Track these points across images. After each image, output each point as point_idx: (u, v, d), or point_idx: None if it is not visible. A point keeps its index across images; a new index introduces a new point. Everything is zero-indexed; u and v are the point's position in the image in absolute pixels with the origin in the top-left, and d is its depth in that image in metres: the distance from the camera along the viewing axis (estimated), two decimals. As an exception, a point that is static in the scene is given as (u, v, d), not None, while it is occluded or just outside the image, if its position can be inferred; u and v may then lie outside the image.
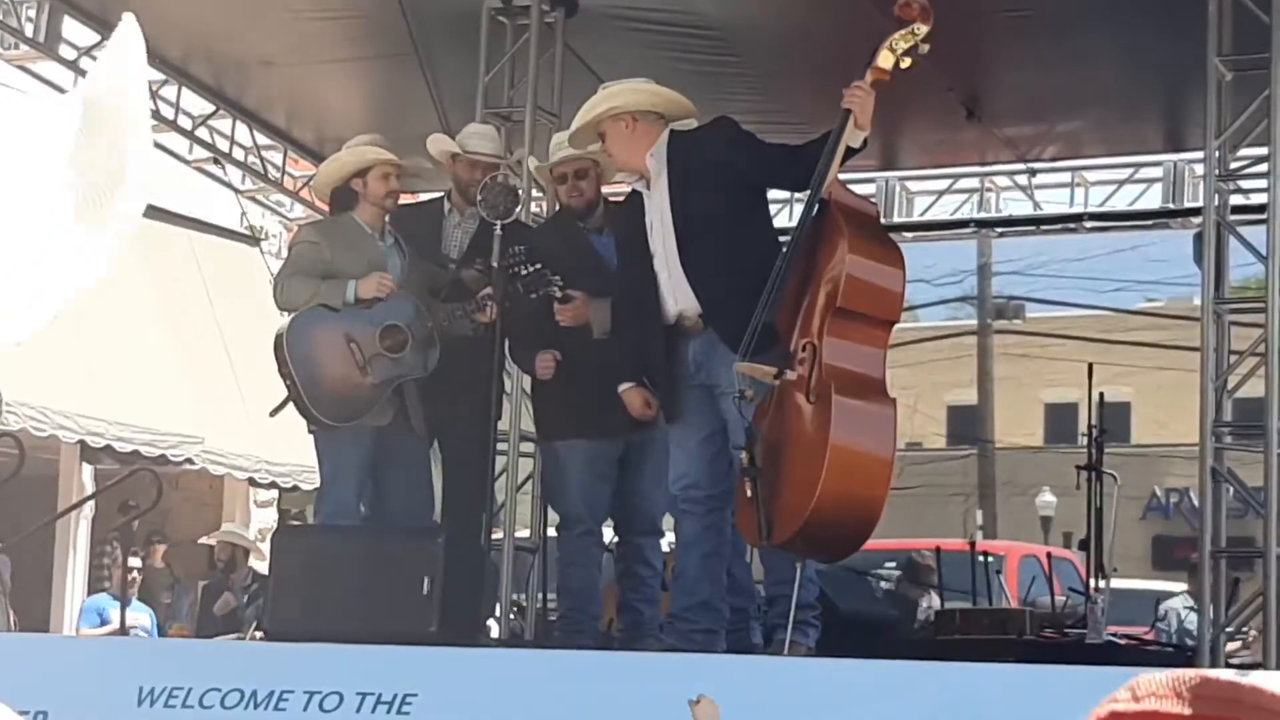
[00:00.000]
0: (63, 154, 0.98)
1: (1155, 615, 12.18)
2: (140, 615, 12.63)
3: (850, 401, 6.37)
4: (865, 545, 6.82)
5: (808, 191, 6.62)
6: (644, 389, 7.18)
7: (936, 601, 13.21)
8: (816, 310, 6.50)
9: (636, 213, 7.14)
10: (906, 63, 6.60)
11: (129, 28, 1.03)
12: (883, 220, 12.62)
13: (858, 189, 11.59)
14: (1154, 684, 1.17)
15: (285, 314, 8.02)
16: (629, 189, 7.63)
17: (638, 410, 7.20)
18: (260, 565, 12.93)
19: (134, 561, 12.31)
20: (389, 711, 6.19)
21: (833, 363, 6.41)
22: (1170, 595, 13.88)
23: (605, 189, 8.20)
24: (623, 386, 7.21)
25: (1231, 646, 7.97)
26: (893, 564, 14.46)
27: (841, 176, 6.88)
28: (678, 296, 6.95)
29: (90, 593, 15.28)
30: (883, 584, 12.79)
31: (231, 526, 13.43)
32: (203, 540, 13.43)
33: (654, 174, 7.03)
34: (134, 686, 6.52)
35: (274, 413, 8.07)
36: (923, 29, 6.57)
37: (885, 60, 6.59)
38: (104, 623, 12.57)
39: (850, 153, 6.68)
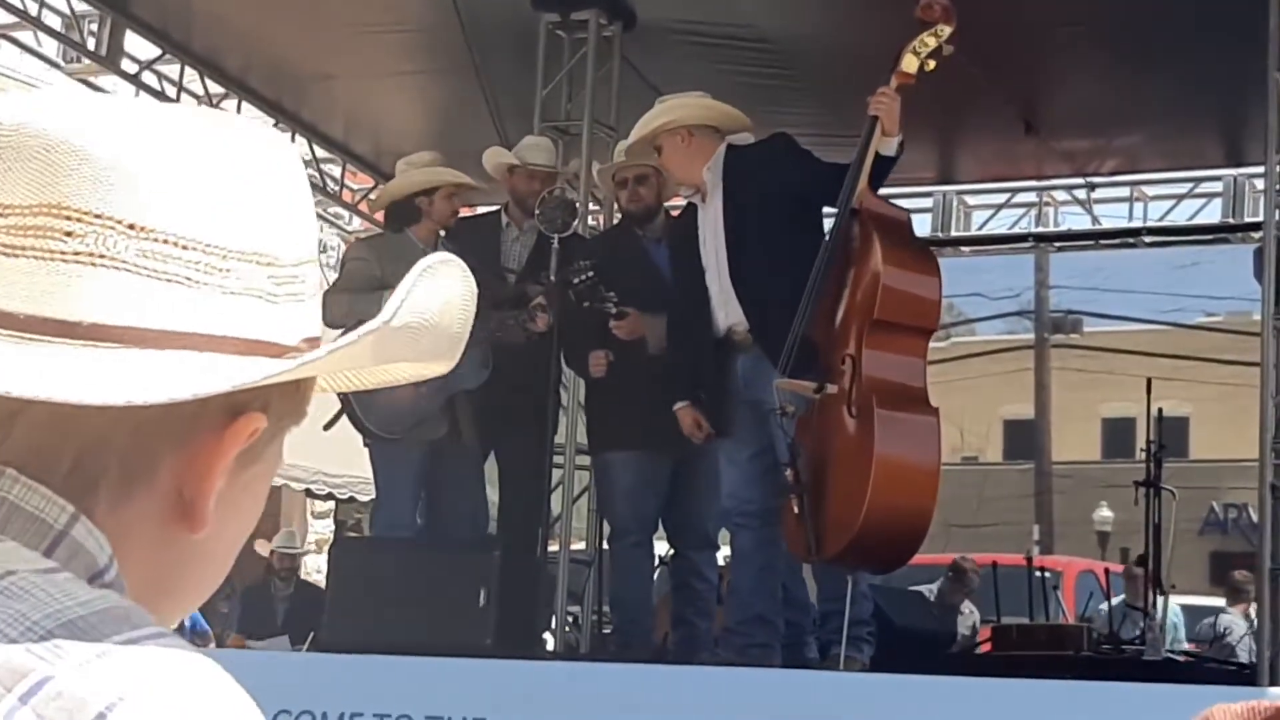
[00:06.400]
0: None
1: (1214, 632, 12.10)
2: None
3: (893, 413, 6.34)
4: (917, 559, 6.80)
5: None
6: (696, 409, 7.18)
7: (976, 612, 13.19)
8: (854, 322, 6.47)
9: (691, 226, 7.15)
10: (931, 65, 6.54)
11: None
12: (941, 234, 12.66)
13: (915, 202, 11.62)
14: (1229, 714, 1.17)
15: (331, 329, 8.05)
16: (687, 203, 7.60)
17: (688, 429, 7.22)
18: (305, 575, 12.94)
19: None
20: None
21: (873, 375, 6.38)
22: (1229, 611, 13.80)
23: (666, 202, 8.21)
24: (677, 405, 7.21)
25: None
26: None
27: (898, 191, 6.84)
28: (728, 311, 6.95)
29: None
30: (927, 593, 12.77)
31: (290, 532, 13.39)
32: (259, 544, 13.46)
33: (710, 188, 7.03)
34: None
35: (328, 426, 8.10)
36: (946, 30, 6.50)
37: (909, 64, 6.55)
38: None
39: (886, 162, 6.63)
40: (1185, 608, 14.02)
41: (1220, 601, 15.39)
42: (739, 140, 7.19)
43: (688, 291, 7.11)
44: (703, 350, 7.04)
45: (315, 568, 16.18)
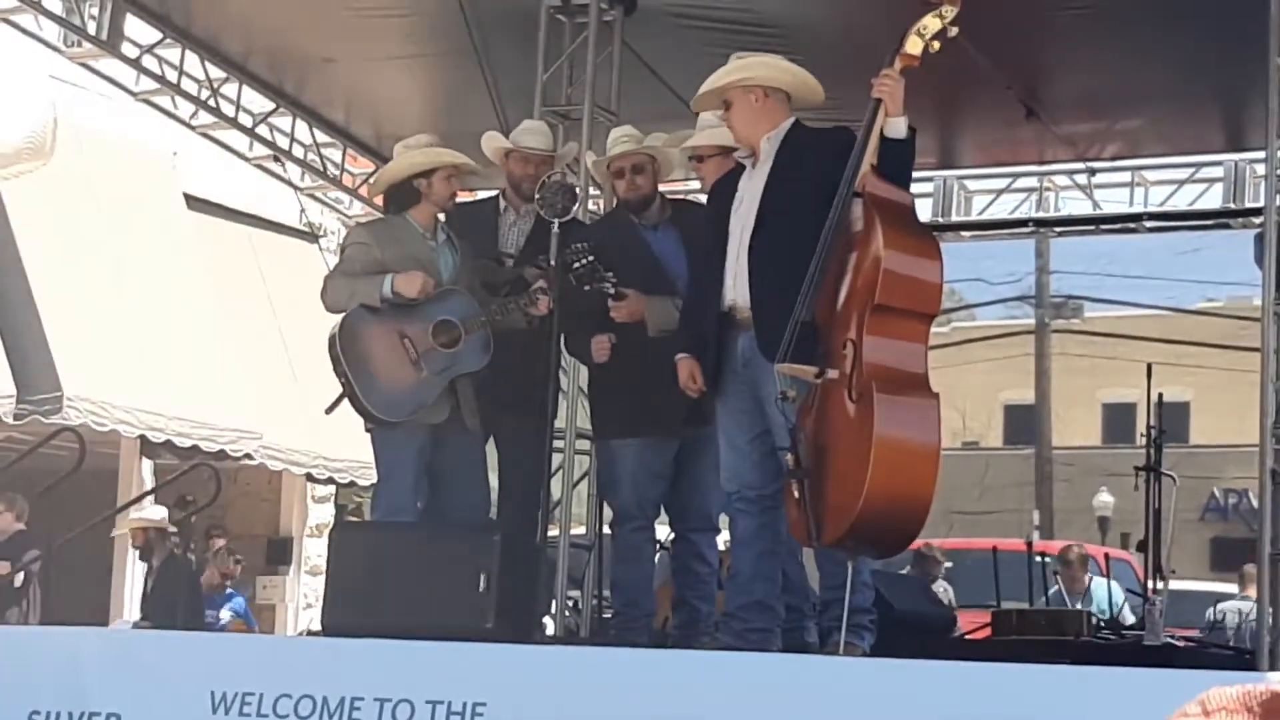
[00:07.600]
0: None
1: (1213, 617, 12.11)
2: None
3: (893, 398, 6.32)
4: (916, 545, 6.78)
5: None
6: (696, 363, 7.14)
7: (950, 589, 13.21)
8: (855, 307, 6.43)
9: (731, 186, 7.08)
10: (936, 46, 6.51)
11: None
12: (941, 219, 12.65)
13: (916, 187, 11.60)
14: (1224, 697, 1.17)
15: (334, 313, 8.05)
16: (683, 188, 7.56)
17: (683, 380, 7.16)
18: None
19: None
20: (461, 722, 6.22)
21: (874, 359, 6.35)
22: (1227, 597, 13.81)
23: (663, 186, 8.19)
24: (679, 355, 7.18)
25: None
26: (949, 564, 14.46)
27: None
28: (736, 284, 6.91)
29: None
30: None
31: (143, 511, 13.18)
32: (115, 532, 13.41)
33: (764, 156, 6.96)
34: (206, 689, 6.55)
35: (329, 410, 8.10)
36: (950, 11, 6.46)
37: (914, 46, 6.52)
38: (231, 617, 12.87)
39: (900, 145, 6.60)
40: (1182, 593, 14.04)
41: (1219, 587, 15.42)
42: (808, 120, 7.12)
43: (710, 251, 7.05)
44: (712, 314, 7.00)
45: (316, 552, 16.22)
